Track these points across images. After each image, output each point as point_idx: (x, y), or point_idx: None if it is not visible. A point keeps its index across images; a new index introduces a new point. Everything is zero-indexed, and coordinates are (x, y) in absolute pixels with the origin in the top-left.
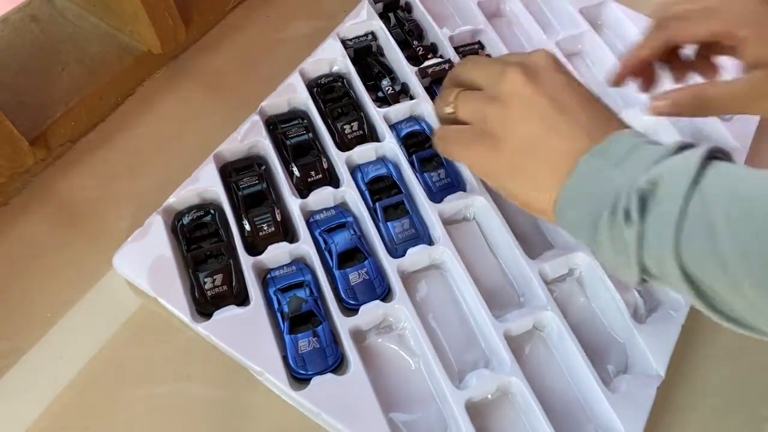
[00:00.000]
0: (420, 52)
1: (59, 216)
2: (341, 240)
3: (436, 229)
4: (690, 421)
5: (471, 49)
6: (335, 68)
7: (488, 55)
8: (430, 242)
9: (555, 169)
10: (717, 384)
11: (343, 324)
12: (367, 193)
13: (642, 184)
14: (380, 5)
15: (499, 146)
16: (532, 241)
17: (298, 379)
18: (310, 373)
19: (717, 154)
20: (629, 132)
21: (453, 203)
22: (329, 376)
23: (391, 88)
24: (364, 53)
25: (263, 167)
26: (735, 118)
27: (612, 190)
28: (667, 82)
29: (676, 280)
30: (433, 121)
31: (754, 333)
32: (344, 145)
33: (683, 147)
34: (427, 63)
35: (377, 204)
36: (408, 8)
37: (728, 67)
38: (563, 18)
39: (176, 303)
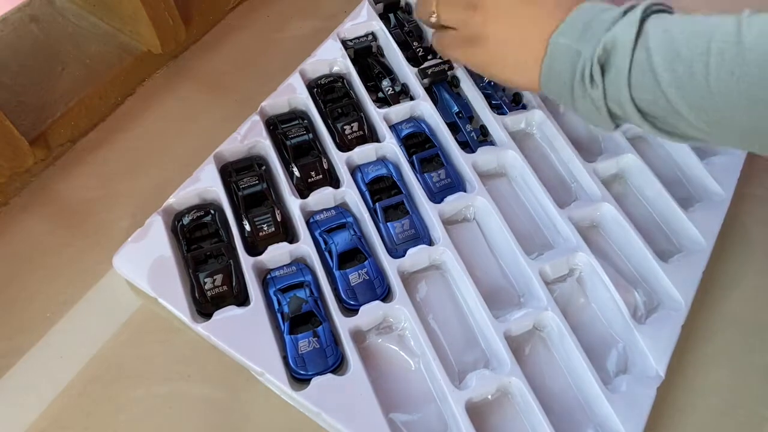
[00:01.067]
0: (420, 53)
1: (59, 216)
2: (341, 240)
3: (436, 229)
4: (690, 421)
5: None
6: (335, 69)
7: None
8: (430, 243)
9: (533, 53)
10: (717, 384)
11: (343, 324)
12: (367, 194)
13: (599, 52)
14: (380, 6)
15: (484, 43)
16: (533, 242)
17: (298, 380)
18: (310, 373)
19: (655, 8)
20: (586, 5)
21: (453, 203)
22: (329, 376)
23: (391, 89)
24: (365, 54)
25: (263, 167)
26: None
27: (579, 62)
28: None
29: (635, 116)
30: (433, 122)
31: (690, 141)
32: (344, 145)
33: (628, 10)
34: (426, 64)
35: (377, 204)
36: (408, 9)
37: None
38: None
39: (176, 303)
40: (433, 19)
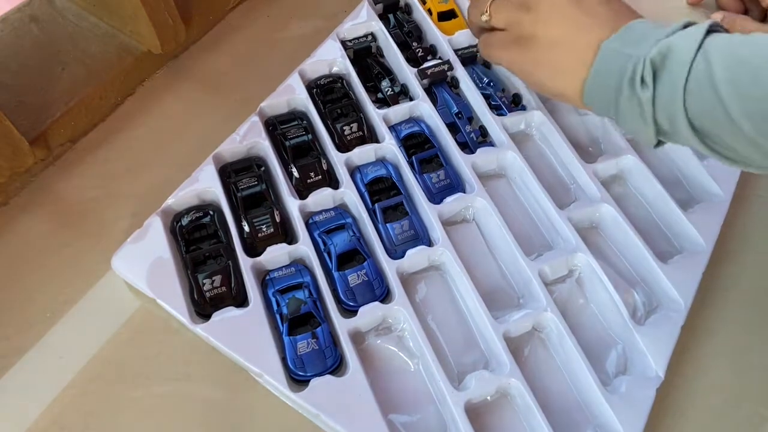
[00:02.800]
0: (419, 54)
1: (59, 216)
2: (340, 241)
3: (436, 230)
4: (690, 421)
5: (470, 51)
6: (335, 69)
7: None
8: (430, 243)
9: (581, 58)
10: (717, 384)
11: (342, 325)
12: (366, 195)
13: (653, 53)
14: (380, 6)
15: (532, 46)
16: (532, 242)
17: (297, 381)
18: (308, 374)
19: (717, 28)
20: (643, 20)
21: (452, 204)
22: (328, 377)
23: (390, 89)
24: (364, 54)
25: (262, 168)
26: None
27: (630, 65)
28: None
29: (686, 132)
30: (432, 123)
31: (751, 168)
32: (344, 146)
33: (688, 24)
34: (426, 64)
35: (376, 205)
36: (408, 10)
37: None
38: None
39: (175, 304)
40: (485, 18)
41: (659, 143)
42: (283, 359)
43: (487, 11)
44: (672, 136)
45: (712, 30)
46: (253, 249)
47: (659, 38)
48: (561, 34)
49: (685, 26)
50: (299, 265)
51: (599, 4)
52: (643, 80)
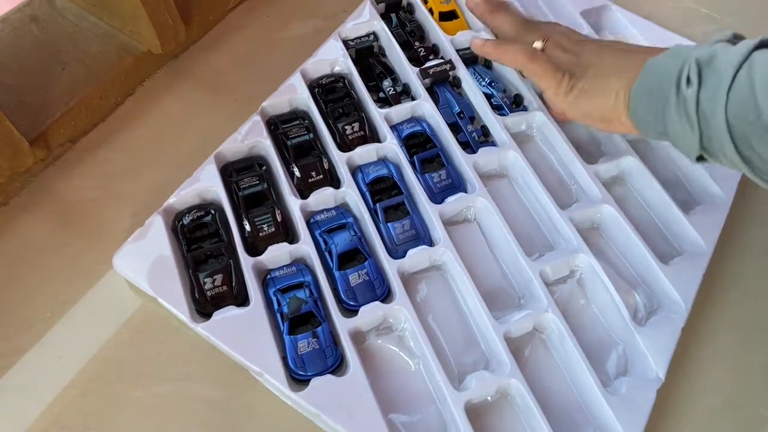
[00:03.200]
0: (421, 53)
1: (59, 216)
2: (341, 241)
3: (437, 230)
4: (690, 421)
5: (471, 52)
6: (336, 68)
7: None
8: (431, 243)
9: (626, 78)
10: (717, 384)
11: (342, 325)
12: (367, 194)
13: (700, 54)
14: (382, 6)
15: (578, 81)
16: (533, 243)
17: (298, 380)
18: (309, 374)
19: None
20: (687, 45)
21: (454, 204)
22: (328, 377)
23: (392, 89)
24: (366, 54)
25: (264, 167)
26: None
27: (677, 66)
28: None
29: (724, 136)
30: (434, 122)
31: None
32: (345, 145)
33: (737, 37)
34: (428, 64)
35: (378, 205)
36: (410, 9)
37: None
38: (565, 21)
39: (176, 303)
40: (539, 45)
41: (701, 158)
42: (284, 358)
43: (542, 42)
44: (712, 144)
45: (763, 45)
46: (254, 248)
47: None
48: (608, 65)
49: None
50: (300, 264)
51: (641, 48)
52: (689, 79)
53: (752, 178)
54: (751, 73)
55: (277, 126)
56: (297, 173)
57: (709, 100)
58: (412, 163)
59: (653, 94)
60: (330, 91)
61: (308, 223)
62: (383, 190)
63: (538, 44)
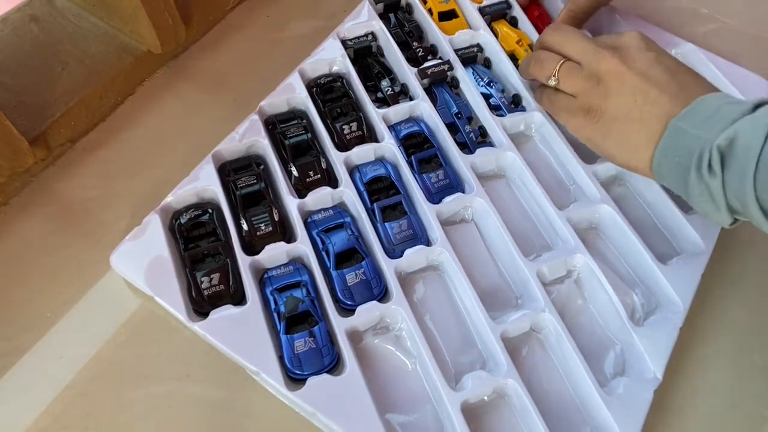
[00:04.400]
0: (420, 53)
1: (59, 216)
2: (339, 240)
3: (434, 230)
4: (690, 421)
5: (470, 51)
6: (335, 68)
7: (487, 59)
8: (428, 243)
9: (649, 133)
10: (717, 384)
11: (339, 324)
12: (365, 194)
13: (721, 140)
14: (381, 6)
15: (600, 117)
16: (531, 243)
17: (294, 380)
18: (306, 373)
19: None
20: (713, 95)
21: (451, 204)
22: (325, 376)
23: (390, 89)
24: (364, 53)
25: (262, 167)
26: None
27: (697, 148)
28: None
29: (759, 218)
30: (432, 122)
31: None
32: (343, 145)
33: (759, 105)
34: (426, 64)
35: (375, 204)
36: (409, 9)
37: None
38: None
39: (173, 302)
40: (552, 83)
41: (735, 221)
42: (281, 358)
43: (555, 76)
44: (747, 217)
45: None
46: (252, 247)
47: (728, 119)
48: (630, 108)
49: (756, 106)
50: (297, 263)
51: (668, 77)
52: (710, 167)
53: None
54: None
55: (275, 125)
56: (295, 173)
57: (736, 188)
58: (410, 163)
59: (678, 166)
60: (328, 91)
61: (305, 223)
62: (381, 190)
63: (551, 81)
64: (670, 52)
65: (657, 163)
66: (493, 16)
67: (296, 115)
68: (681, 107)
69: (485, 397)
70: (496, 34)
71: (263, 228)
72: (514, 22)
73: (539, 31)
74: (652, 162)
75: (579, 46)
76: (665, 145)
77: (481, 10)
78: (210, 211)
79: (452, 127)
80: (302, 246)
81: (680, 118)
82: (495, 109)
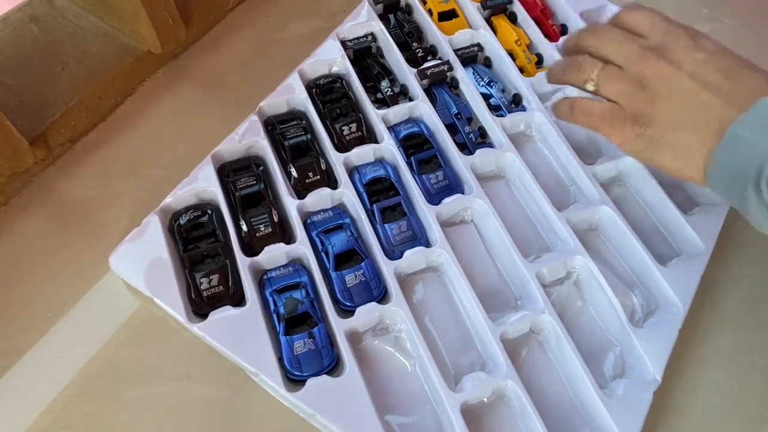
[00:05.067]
0: (419, 54)
1: (59, 216)
2: (338, 241)
3: (434, 231)
4: (690, 421)
5: (470, 51)
6: (334, 69)
7: (487, 58)
8: (428, 244)
9: (703, 140)
10: (717, 384)
11: (339, 326)
12: (364, 195)
13: None
14: (380, 6)
15: (648, 126)
16: (530, 244)
17: (293, 381)
18: (305, 374)
19: None
20: None
21: (451, 205)
22: (324, 377)
23: (390, 90)
24: (364, 54)
25: (261, 168)
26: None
27: (756, 160)
28: None
29: None
30: (432, 123)
31: None
32: (342, 146)
33: None
34: (426, 65)
35: (375, 205)
36: (408, 10)
37: None
38: (564, 21)
39: (172, 303)
40: (591, 87)
41: None
42: (280, 359)
43: (593, 80)
44: None
45: None
46: (251, 248)
47: None
48: (680, 113)
49: None
50: (297, 264)
51: (721, 77)
52: None
53: None
54: None
55: (274, 126)
56: (294, 173)
57: None
58: (410, 164)
59: (734, 179)
60: (328, 92)
61: (305, 224)
62: (380, 191)
63: (590, 86)
64: None
65: (711, 173)
66: (494, 10)
67: (296, 116)
68: (739, 111)
69: (485, 399)
70: (495, 30)
71: (263, 229)
72: (513, 18)
73: (542, 26)
74: (706, 171)
75: (618, 45)
76: (721, 153)
77: (483, 4)
78: (209, 212)
79: (452, 128)
80: (302, 247)
81: (737, 125)
82: (495, 109)
